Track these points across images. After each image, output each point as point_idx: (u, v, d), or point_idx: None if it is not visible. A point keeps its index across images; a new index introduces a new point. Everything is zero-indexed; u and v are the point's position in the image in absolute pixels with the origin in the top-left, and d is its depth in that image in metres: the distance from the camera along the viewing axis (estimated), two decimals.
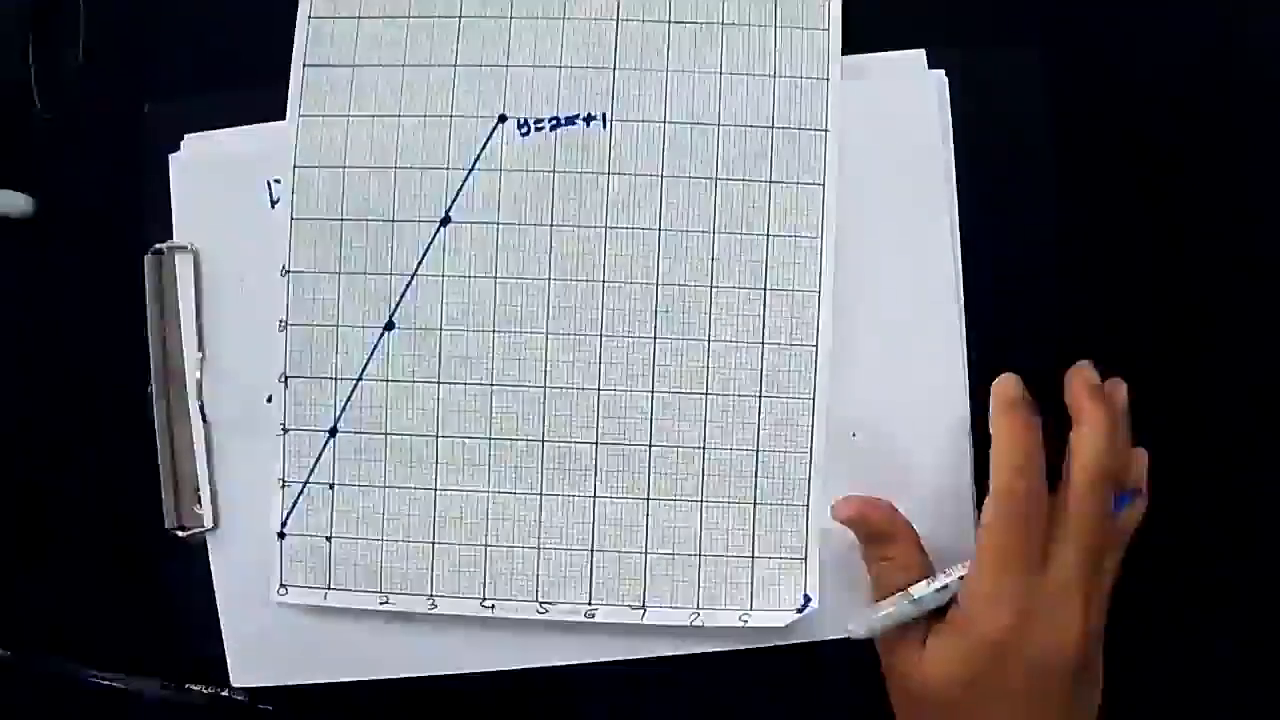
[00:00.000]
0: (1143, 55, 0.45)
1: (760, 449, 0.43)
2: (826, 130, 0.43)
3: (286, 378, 0.44)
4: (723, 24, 0.43)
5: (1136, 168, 0.45)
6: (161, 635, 0.46)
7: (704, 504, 0.43)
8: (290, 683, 0.44)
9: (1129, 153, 0.45)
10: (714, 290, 0.43)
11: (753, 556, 0.43)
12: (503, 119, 0.43)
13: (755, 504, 0.43)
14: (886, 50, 0.44)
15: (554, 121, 0.43)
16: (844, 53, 0.44)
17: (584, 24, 0.43)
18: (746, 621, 0.43)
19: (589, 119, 0.43)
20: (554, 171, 0.43)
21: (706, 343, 0.43)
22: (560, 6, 0.43)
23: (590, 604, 0.43)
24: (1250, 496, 0.44)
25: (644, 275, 0.43)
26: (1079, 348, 0.44)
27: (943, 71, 0.44)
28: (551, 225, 0.43)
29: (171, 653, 0.46)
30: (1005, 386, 0.41)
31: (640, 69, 0.43)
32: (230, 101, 0.45)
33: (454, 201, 0.43)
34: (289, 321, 0.44)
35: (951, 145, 0.44)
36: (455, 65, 0.43)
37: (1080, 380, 0.41)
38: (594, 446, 0.43)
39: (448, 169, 0.43)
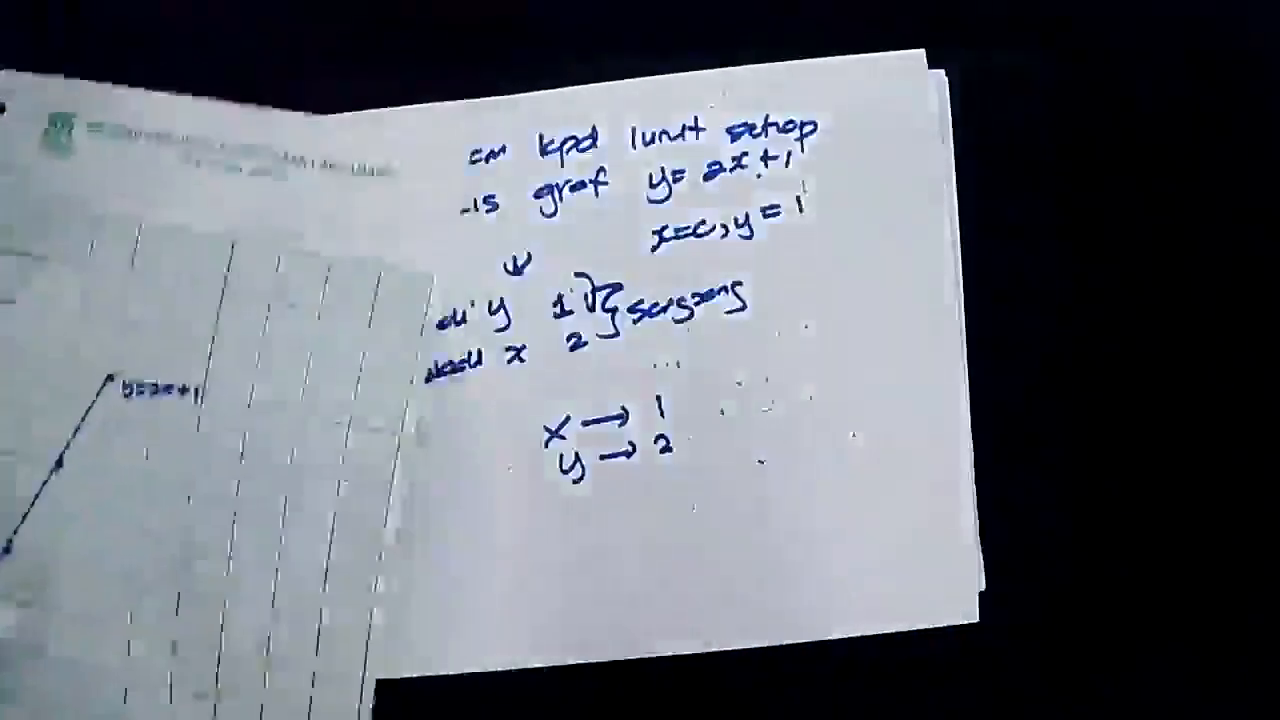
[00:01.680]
0: (1143, 55, 0.45)
1: None
2: (402, 423, 0.43)
3: None
4: (321, 308, 0.43)
5: (1137, 168, 0.45)
6: None
7: None
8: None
9: (1129, 153, 0.45)
10: (275, 591, 0.43)
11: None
12: (110, 378, 0.43)
13: None
14: (886, 50, 0.44)
15: (154, 388, 0.43)
16: (844, 53, 0.44)
17: (192, 290, 0.43)
18: None
19: (184, 390, 0.43)
20: (148, 435, 0.43)
21: (271, 606, 0.43)
22: (177, 268, 0.43)
23: None
24: (1252, 497, 0.44)
25: (220, 547, 0.43)
26: (1079, 347, 0.44)
27: (943, 71, 0.44)
28: (146, 488, 0.43)
29: None
30: None
31: (235, 345, 0.43)
32: None
33: (64, 453, 0.43)
34: None
35: (951, 145, 0.44)
36: (77, 316, 0.43)
37: None
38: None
39: (60, 418, 0.43)
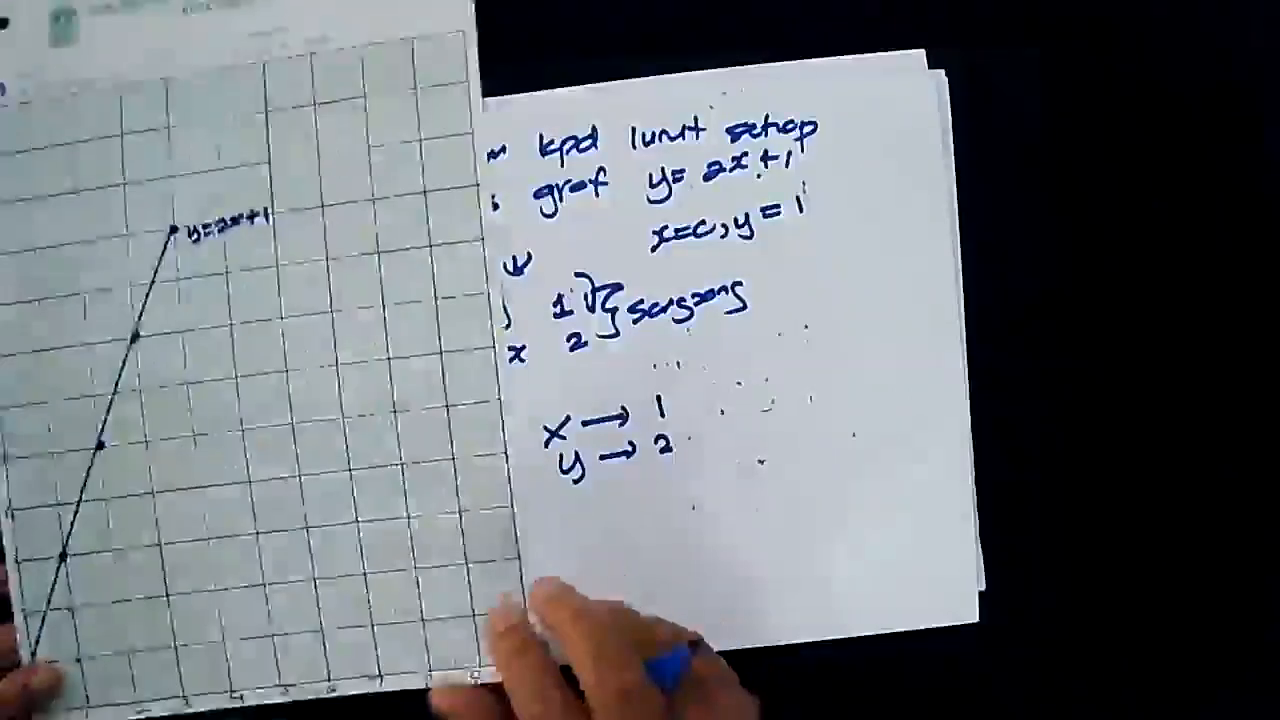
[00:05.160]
0: (1143, 55, 0.45)
1: (462, 510, 0.43)
2: (478, 185, 0.44)
3: (12, 510, 0.44)
4: (365, 96, 0.44)
5: (1136, 167, 0.45)
6: None
7: (419, 570, 0.43)
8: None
9: (1129, 152, 0.45)
10: (391, 362, 0.43)
11: (473, 615, 0.43)
12: (174, 229, 0.44)
13: (468, 564, 0.43)
14: (886, 50, 0.44)
15: (220, 224, 0.44)
16: (844, 53, 0.44)
17: (235, 121, 0.44)
18: (477, 678, 0.43)
19: (252, 216, 0.44)
20: (227, 273, 0.44)
21: (394, 413, 0.43)
22: (214, 107, 0.45)
23: (330, 680, 0.44)
24: (1250, 497, 0.44)
25: (324, 358, 0.44)
26: (1080, 347, 0.44)
27: (943, 71, 0.44)
28: (231, 325, 0.44)
29: None
30: (496, 620, 0.40)
31: (291, 158, 0.44)
32: None
33: (140, 317, 0.44)
34: (8, 454, 0.44)
35: (951, 145, 0.44)
36: (124, 184, 0.44)
37: (546, 600, 0.40)
38: (305, 531, 0.44)
39: (130, 286, 0.44)
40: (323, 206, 0.44)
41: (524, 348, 0.44)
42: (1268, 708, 0.45)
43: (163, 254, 0.44)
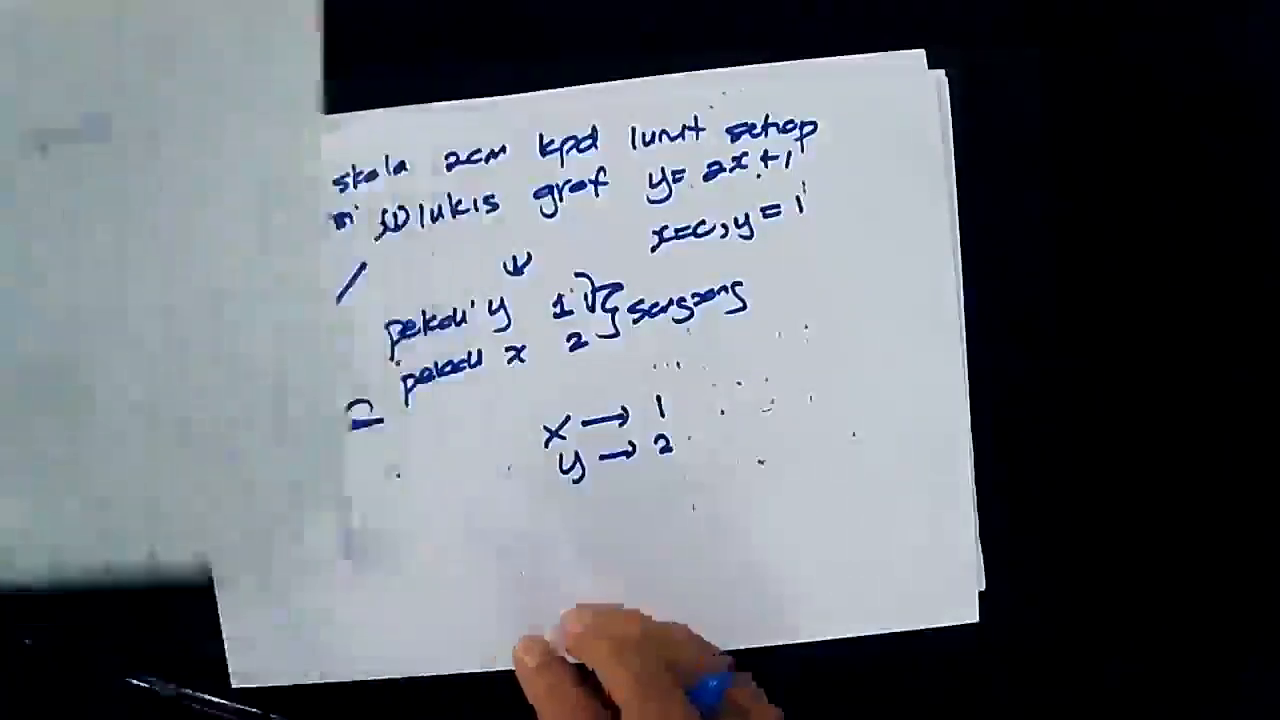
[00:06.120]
0: (1143, 55, 0.45)
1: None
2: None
3: None
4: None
5: (1136, 167, 0.45)
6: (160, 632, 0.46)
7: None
8: (292, 683, 0.44)
9: (1129, 152, 0.45)
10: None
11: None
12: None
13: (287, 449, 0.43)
14: (886, 50, 0.44)
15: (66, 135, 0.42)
16: (844, 53, 0.44)
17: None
18: None
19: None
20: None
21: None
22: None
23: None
24: (1250, 497, 0.45)
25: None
26: (1079, 347, 0.44)
27: (943, 71, 0.44)
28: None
29: (168, 650, 0.45)
30: (527, 655, 0.42)
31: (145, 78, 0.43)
32: None
33: None
34: None
35: (951, 145, 0.44)
36: None
37: (580, 636, 0.41)
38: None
39: None
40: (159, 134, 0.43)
41: (524, 348, 0.44)
42: (1268, 707, 0.45)
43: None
